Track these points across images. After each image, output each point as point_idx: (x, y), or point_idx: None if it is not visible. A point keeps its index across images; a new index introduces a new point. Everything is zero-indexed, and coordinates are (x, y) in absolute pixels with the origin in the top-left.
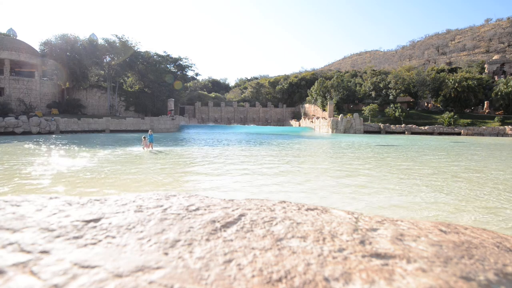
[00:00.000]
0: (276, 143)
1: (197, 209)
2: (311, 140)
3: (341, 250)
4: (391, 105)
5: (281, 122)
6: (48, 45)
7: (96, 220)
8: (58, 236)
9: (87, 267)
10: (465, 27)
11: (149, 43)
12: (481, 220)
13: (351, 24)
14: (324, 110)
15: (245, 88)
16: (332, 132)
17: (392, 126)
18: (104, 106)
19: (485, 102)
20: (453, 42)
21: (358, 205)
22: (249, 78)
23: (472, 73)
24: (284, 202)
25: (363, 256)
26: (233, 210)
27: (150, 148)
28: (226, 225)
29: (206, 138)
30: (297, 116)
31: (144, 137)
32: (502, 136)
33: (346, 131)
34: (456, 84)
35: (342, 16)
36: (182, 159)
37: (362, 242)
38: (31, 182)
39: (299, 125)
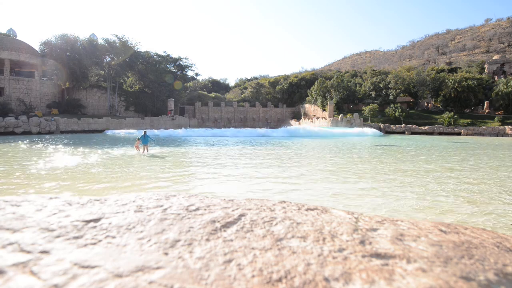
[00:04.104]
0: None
1: (197, 209)
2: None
3: (341, 250)
4: (391, 105)
5: (281, 122)
6: (48, 45)
7: (96, 220)
8: (58, 236)
9: (87, 267)
10: (465, 27)
11: (149, 43)
12: None
13: (351, 24)
14: (324, 110)
15: (245, 88)
16: None
17: (392, 126)
18: (104, 106)
19: (485, 102)
20: (453, 42)
21: None
22: (249, 78)
23: (472, 73)
24: (284, 202)
25: (363, 256)
26: (233, 210)
27: (145, 151)
28: (226, 225)
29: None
30: (297, 116)
31: (138, 139)
32: (502, 136)
33: None
34: (456, 84)
35: (342, 16)
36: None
37: (362, 242)
38: (31, 182)
39: (299, 125)
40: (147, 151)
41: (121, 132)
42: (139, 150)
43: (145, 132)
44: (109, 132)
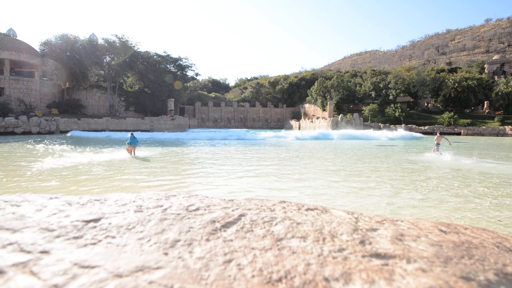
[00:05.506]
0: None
1: (197, 209)
2: None
3: (341, 250)
4: (391, 105)
5: (281, 122)
6: (48, 45)
7: (96, 220)
8: (58, 236)
9: (87, 267)
10: (465, 27)
11: (149, 43)
12: None
13: (351, 24)
14: (324, 110)
15: (245, 88)
16: None
17: (392, 126)
18: (104, 106)
19: (485, 102)
20: (453, 42)
21: None
22: (249, 78)
23: (472, 73)
24: (284, 202)
25: (363, 256)
26: (233, 210)
27: (132, 153)
28: (226, 225)
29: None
30: (297, 116)
31: (128, 143)
32: (502, 136)
33: None
34: (456, 84)
35: (342, 16)
36: None
37: (362, 242)
38: (33, 182)
39: (299, 126)
40: (134, 153)
41: (90, 133)
42: (131, 153)
43: (131, 133)
44: (75, 133)
